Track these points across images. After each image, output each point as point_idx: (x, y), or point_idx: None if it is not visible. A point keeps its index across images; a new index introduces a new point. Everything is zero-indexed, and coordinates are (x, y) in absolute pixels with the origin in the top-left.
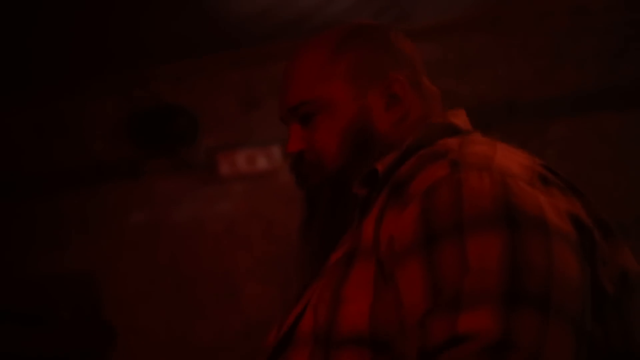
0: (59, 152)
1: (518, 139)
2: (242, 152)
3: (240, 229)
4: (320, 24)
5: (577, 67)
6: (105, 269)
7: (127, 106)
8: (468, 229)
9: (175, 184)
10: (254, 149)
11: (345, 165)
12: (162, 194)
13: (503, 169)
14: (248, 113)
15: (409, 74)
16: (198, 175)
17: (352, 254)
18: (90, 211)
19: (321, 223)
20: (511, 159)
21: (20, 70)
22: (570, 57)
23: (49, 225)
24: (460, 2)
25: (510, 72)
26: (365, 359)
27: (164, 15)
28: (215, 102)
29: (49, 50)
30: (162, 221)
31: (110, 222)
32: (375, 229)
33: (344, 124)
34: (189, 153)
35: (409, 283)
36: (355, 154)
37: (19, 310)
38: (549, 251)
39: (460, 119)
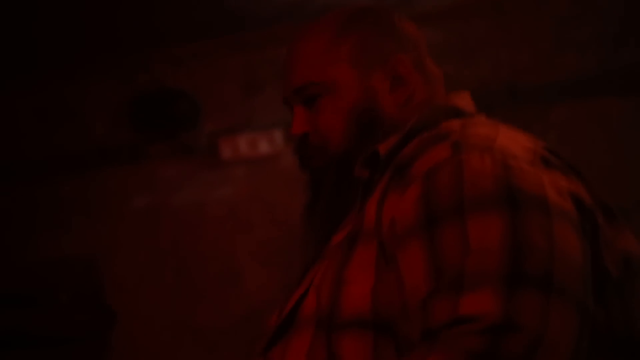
0: (59, 136)
1: (519, 124)
2: (244, 136)
3: (242, 213)
4: (321, 7)
5: (578, 52)
6: (106, 253)
7: (129, 91)
8: (469, 210)
9: (177, 168)
10: (256, 133)
11: (350, 147)
12: (164, 178)
13: (504, 150)
14: (250, 97)
15: (413, 55)
16: (200, 159)
17: (354, 236)
18: (91, 195)
19: (325, 205)
20: (513, 141)
21: (23, 54)
22: (572, 41)
23: (50, 210)
24: None
25: (511, 57)
26: (368, 340)
27: None
28: (217, 86)
29: (51, 34)
30: (163, 205)
31: (111, 206)
32: (377, 211)
33: (349, 105)
34: (190, 137)
35: (411, 265)
36: (360, 136)
37: (18, 293)
38: (550, 231)
39: (464, 101)
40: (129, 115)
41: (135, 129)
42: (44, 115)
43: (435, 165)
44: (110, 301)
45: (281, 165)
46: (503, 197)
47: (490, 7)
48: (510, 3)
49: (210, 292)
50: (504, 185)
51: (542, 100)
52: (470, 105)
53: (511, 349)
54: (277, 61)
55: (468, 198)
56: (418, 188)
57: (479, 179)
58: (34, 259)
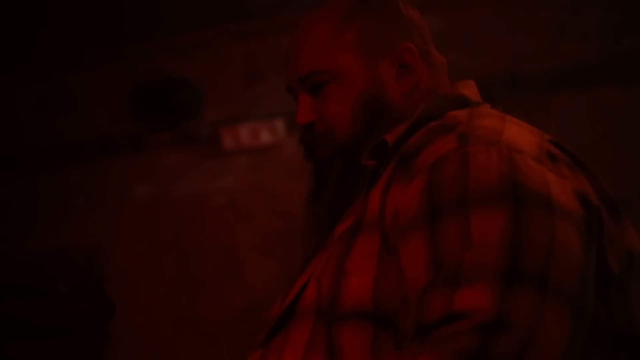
0: (61, 125)
1: (521, 112)
2: (246, 126)
3: (244, 203)
4: None
5: (580, 40)
6: (108, 244)
7: (130, 80)
8: (472, 205)
9: (179, 157)
10: (258, 123)
11: (357, 135)
12: (165, 167)
13: (511, 144)
14: (252, 86)
15: (419, 43)
16: (201, 149)
17: (357, 226)
18: (92, 185)
19: (331, 194)
20: (520, 134)
21: (24, 44)
22: (574, 30)
23: (50, 199)
24: None
25: (513, 45)
26: (368, 332)
27: None
28: (218, 75)
29: (53, 24)
30: (165, 195)
31: (113, 196)
32: (381, 201)
33: (356, 94)
34: (192, 127)
35: (412, 257)
36: (366, 124)
37: (18, 283)
38: (552, 230)
39: (470, 90)
40: (131, 105)
41: (137, 118)
42: (45, 105)
43: (440, 157)
44: (110, 292)
45: (283, 154)
46: (507, 193)
47: None
48: None
49: (211, 282)
50: (508, 181)
51: (544, 89)
52: (476, 94)
53: (501, 350)
54: (279, 50)
55: (472, 192)
56: (423, 179)
57: (484, 173)
58: (34, 249)
